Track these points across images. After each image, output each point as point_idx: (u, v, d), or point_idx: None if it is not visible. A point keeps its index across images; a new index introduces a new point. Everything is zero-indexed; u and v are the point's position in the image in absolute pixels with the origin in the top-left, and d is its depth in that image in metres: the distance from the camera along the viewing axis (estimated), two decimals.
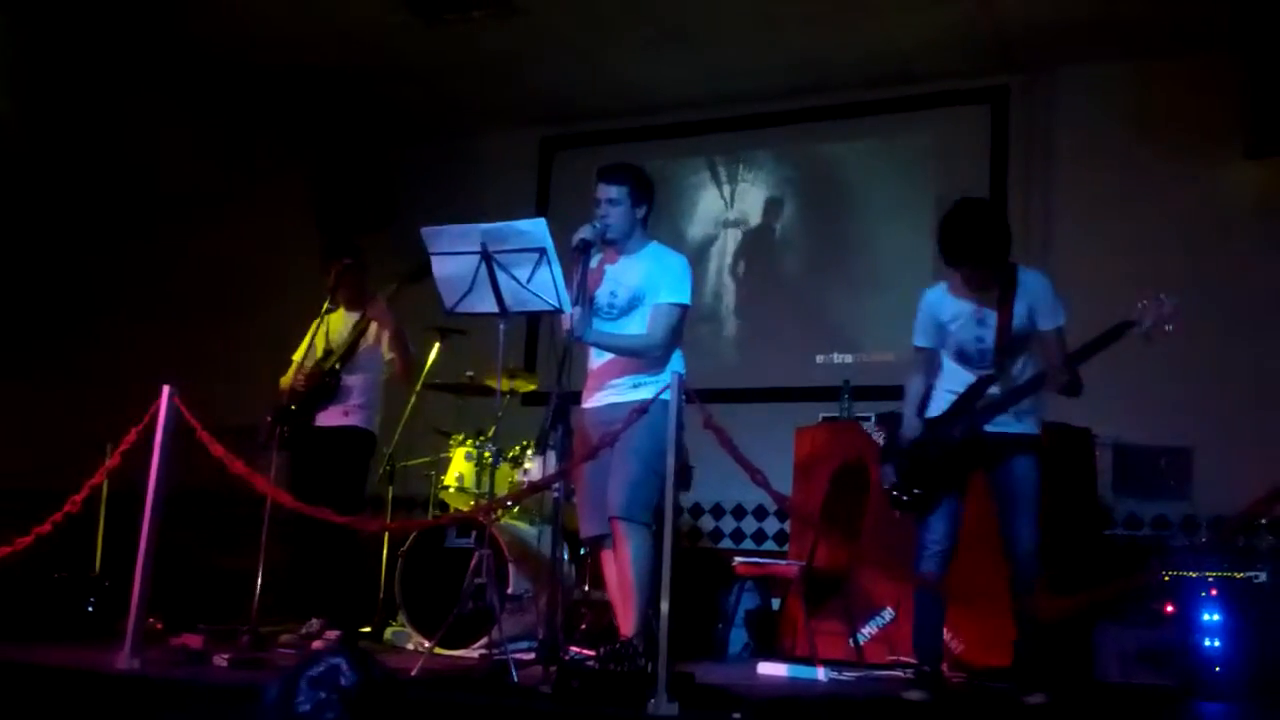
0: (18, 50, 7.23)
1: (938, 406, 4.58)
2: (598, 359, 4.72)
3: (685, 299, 4.62)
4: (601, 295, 4.68)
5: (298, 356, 5.72)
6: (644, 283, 4.62)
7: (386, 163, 8.40)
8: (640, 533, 4.42)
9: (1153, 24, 6.67)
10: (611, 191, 4.63)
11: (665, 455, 4.07)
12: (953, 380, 4.57)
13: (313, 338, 5.72)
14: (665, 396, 3.99)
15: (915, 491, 4.50)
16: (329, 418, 5.64)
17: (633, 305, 4.63)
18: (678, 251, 4.77)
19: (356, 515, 5.29)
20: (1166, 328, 4.31)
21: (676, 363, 4.60)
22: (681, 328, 4.67)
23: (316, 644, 5.22)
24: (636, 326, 4.62)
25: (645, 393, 4.34)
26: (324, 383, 5.61)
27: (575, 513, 5.71)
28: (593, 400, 4.69)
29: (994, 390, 4.44)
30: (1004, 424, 4.42)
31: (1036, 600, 4.35)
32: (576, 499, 4.79)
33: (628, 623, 4.45)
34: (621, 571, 4.47)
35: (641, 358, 4.59)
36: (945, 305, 4.60)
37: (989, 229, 4.41)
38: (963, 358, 4.55)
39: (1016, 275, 4.47)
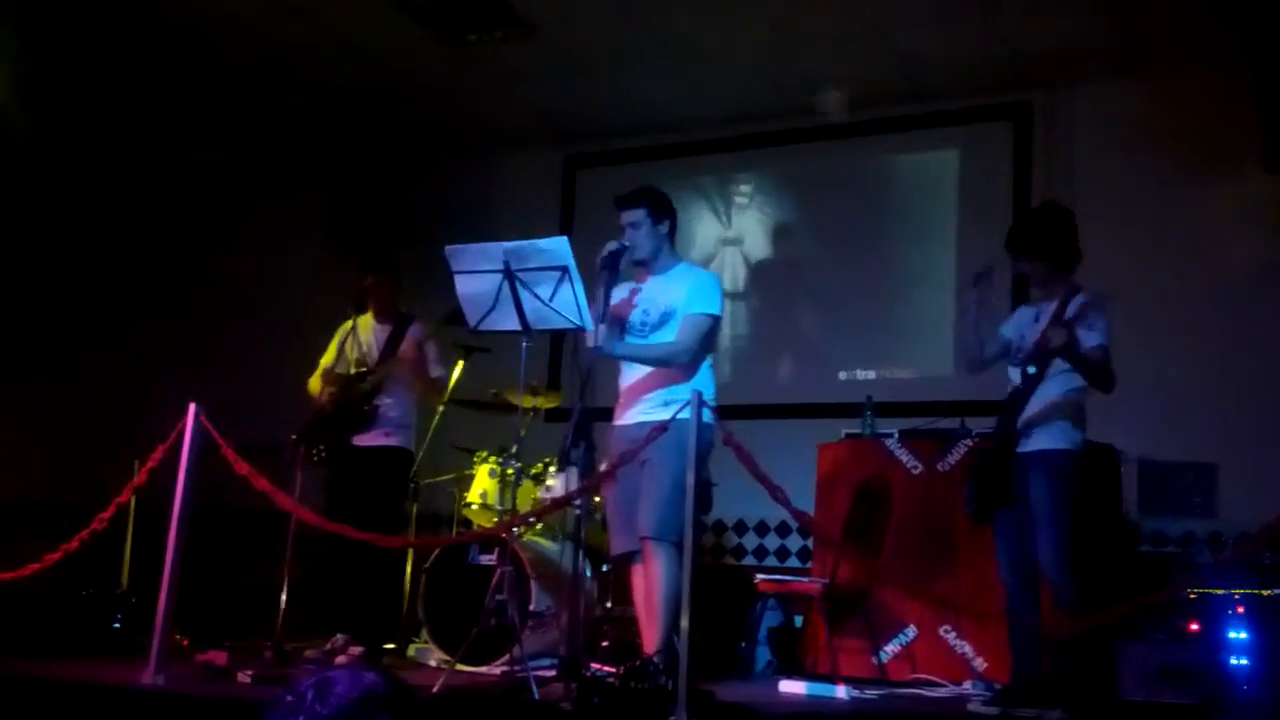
0: (43, 74, 7.31)
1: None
2: (629, 376, 4.76)
3: (715, 309, 4.67)
4: (634, 315, 4.74)
5: (325, 361, 5.76)
6: (675, 299, 4.68)
7: (407, 183, 8.44)
8: (670, 552, 4.43)
9: (1170, 42, 6.67)
10: (632, 216, 4.74)
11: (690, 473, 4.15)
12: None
13: (342, 344, 5.75)
14: (684, 415, 4.01)
15: (974, 506, 4.62)
16: (370, 439, 5.68)
17: (664, 320, 4.68)
18: (706, 269, 4.82)
19: (392, 533, 5.36)
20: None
21: (706, 379, 4.65)
22: (712, 339, 4.72)
23: (340, 659, 5.25)
24: (667, 339, 4.67)
25: (677, 410, 4.37)
26: (360, 409, 5.65)
27: (598, 529, 5.73)
28: (624, 418, 4.73)
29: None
30: (1028, 442, 4.53)
31: (1049, 617, 4.38)
32: (607, 516, 4.84)
33: (652, 640, 4.48)
34: (650, 590, 4.48)
35: (670, 365, 4.62)
36: (1016, 316, 4.87)
37: (1046, 228, 4.70)
38: (1011, 361, 4.72)
39: (1076, 294, 4.57)
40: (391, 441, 5.70)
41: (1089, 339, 4.47)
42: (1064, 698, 4.28)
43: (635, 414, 4.66)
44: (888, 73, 7.24)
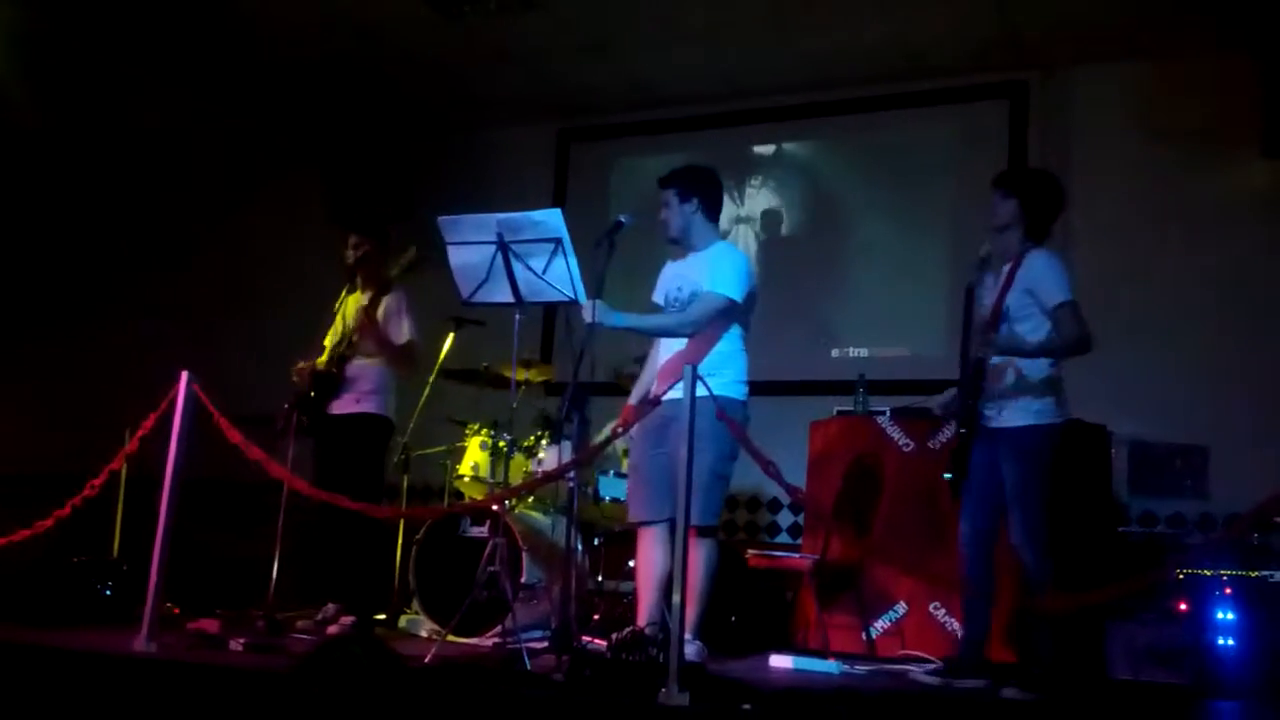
0: (40, 49, 7.27)
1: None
2: (662, 354, 4.83)
3: (731, 293, 4.68)
4: (670, 291, 4.84)
5: (329, 340, 5.73)
6: (702, 277, 4.73)
7: (402, 156, 8.41)
8: (707, 540, 4.54)
9: (1169, 24, 6.65)
10: (662, 196, 4.84)
11: (729, 459, 4.41)
12: None
13: (340, 318, 5.72)
14: (675, 395, 3.99)
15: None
16: (342, 405, 5.63)
17: (694, 299, 4.74)
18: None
19: (374, 502, 5.33)
20: None
21: (737, 358, 4.71)
22: (722, 318, 4.70)
23: (331, 629, 5.26)
24: None
25: (710, 386, 4.36)
26: (331, 373, 5.62)
27: (588, 503, 5.73)
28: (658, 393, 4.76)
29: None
30: (995, 418, 4.43)
31: (1040, 597, 4.34)
32: (630, 483, 4.90)
33: (645, 615, 4.55)
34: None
35: (671, 337, 4.70)
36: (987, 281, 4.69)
37: (1035, 173, 4.88)
38: None
39: (1025, 256, 4.48)
40: (363, 408, 5.63)
41: (1051, 297, 4.35)
42: (1038, 677, 4.27)
43: (665, 392, 4.67)
44: (886, 49, 7.21)
